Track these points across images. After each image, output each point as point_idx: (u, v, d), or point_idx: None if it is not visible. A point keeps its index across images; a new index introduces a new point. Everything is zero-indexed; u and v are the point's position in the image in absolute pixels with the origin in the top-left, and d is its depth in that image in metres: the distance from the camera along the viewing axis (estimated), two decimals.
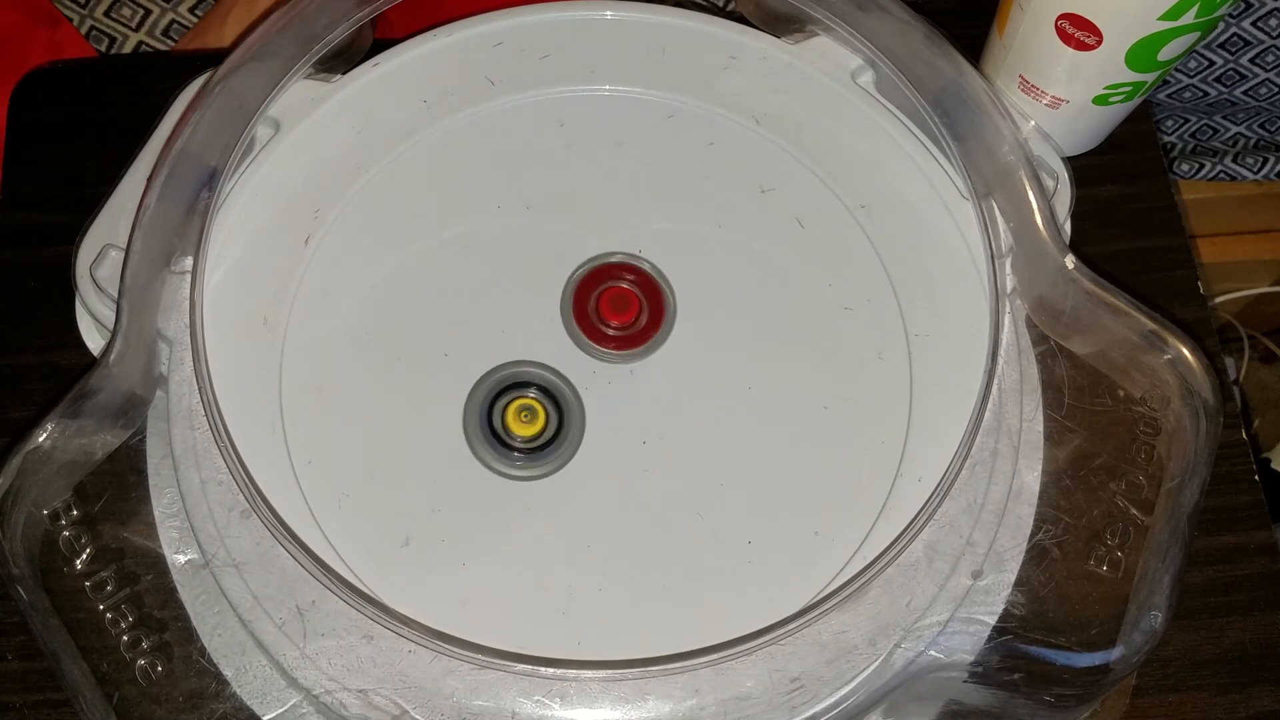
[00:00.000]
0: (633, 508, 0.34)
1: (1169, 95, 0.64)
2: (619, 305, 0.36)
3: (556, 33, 0.39)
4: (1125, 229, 0.43)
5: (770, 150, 0.38)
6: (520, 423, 0.34)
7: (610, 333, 0.36)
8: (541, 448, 0.34)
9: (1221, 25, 0.59)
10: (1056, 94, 0.39)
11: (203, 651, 0.32)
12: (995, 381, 0.33)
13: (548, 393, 0.35)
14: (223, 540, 0.31)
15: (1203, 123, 0.66)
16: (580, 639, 0.32)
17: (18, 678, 0.36)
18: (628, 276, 0.36)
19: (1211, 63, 0.61)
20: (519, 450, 0.34)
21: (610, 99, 0.39)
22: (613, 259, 0.37)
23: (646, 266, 0.37)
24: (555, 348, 0.36)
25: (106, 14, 0.57)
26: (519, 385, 0.35)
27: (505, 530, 0.33)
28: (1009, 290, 0.35)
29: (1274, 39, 0.59)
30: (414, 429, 0.34)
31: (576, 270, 0.36)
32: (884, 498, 0.33)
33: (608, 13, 0.39)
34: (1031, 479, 0.33)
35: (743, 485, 0.34)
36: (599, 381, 0.35)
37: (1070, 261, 0.34)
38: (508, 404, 0.35)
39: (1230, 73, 0.61)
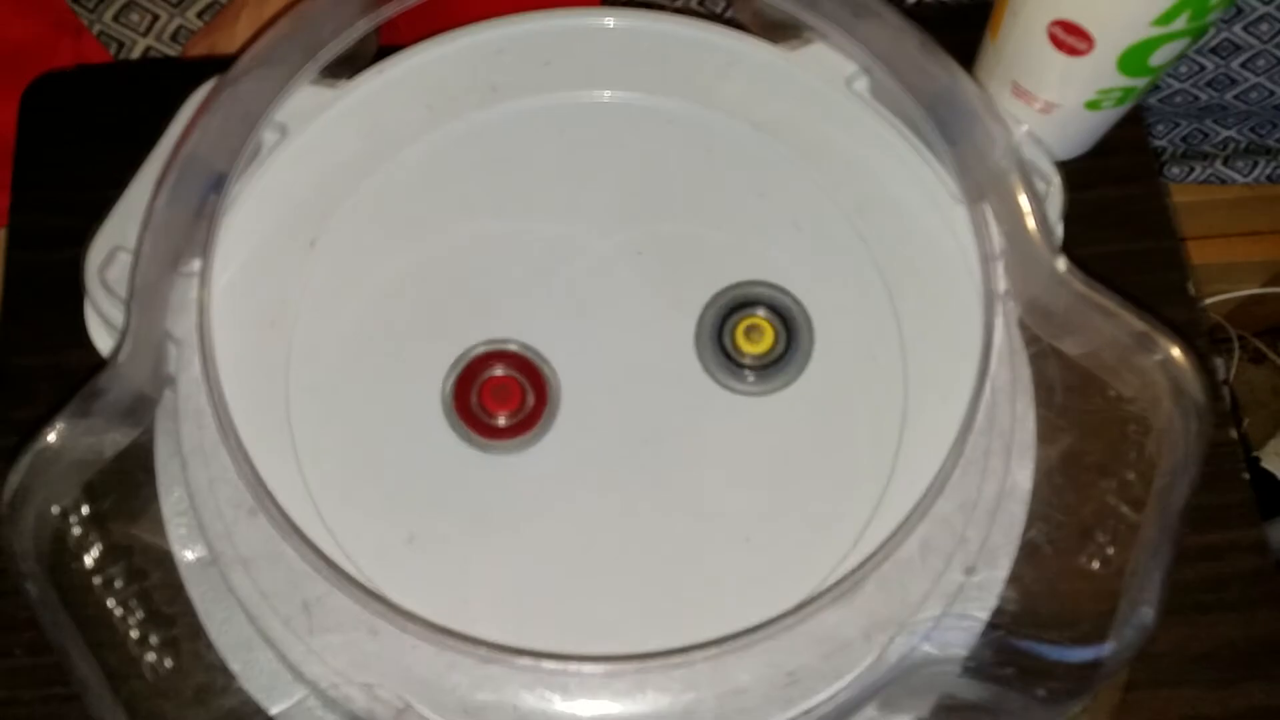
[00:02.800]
0: (632, 505, 0.34)
1: (1160, 100, 0.64)
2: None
3: (558, 40, 0.39)
4: (1117, 232, 0.43)
5: (767, 155, 0.39)
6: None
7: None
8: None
9: (1213, 30, 0.59)
10: (1049, 99, 0.40)
11: (210, 646, 0.32)
12: (988, 382, 0.33)
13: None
14: (230, 537, 0.32)
15: (1193, 127, 0.66)
16: (581, 634, 0.32)
17: (28, 673, 0.36)
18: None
19: (1203, 67, 0.61)
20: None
21: (611, 105, 0.39)
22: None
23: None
24: (555, 348, 0.36)
25: (115, 19, 0.57)
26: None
27: (507, 527, 0.34)
28: (1002, 292, 0.35)
29: (1265, 44, 0.59)
30: (418, 428, 0.35)
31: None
32: (879, 495, 0.34)
33: (609, 21, 0.40)
34: (1024, 477, 0.34)
35: (740, 482, 0.35)
36: (599, 379, 0.36)
37: (1062, 264, 0.34)
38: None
39: (1221, 77, 0.62)
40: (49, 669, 0.36)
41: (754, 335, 0.35)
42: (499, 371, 0.35)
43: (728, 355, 0.36)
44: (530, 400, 0.35)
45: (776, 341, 0.36)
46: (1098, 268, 0.35)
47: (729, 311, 0.36)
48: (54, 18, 0.54)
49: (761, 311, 0.36)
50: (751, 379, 0.35)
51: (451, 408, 0.35)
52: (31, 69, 0.45)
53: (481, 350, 0.36)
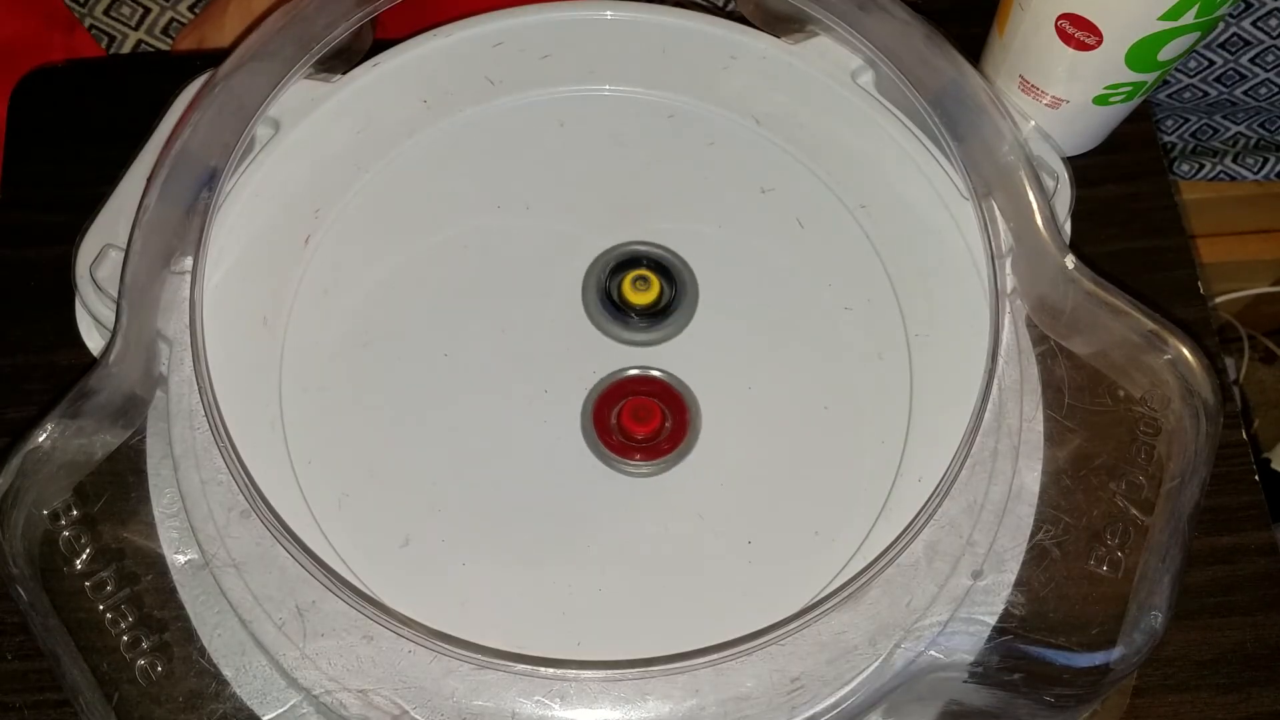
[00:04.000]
0: (632, 507, 0.34)
1: (1169, 95, 0.64)
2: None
3: (556, 33, 0.39)
4: (1125, 229, 0.43)
5: (770, 150, 0.38)
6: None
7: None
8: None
9: (1221, 25, 0.59)
10: (1056, 94, 0.39)
11: (203, 652, 0.32)
12: (995, 381, 0.33)
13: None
14: (223, 540, 0.31)
15: (1203, 122, 0.66)
16: (580, 639, 0.32)
17: (18, 678, 0.36)
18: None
19: (1211, 63, 0.61)
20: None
21: (610, 99, 0.39)
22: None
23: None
24: (556, 346, 0.36)
25: (106, 13, 0.57)
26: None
27: (505, 530, 0.33)
28: (1009, 290, 0.35)
29: (1274, 39, 0.59)
30: (413, 429, 0.34)
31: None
32: (884, 498, 0.33)
33: (608, 13, 0.39)
34: (1031, 479, 0.33)
35: (743, 485, 0.34)
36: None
37: (1070, 261, 0.34)
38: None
39: (1230, 73, 0.61)
40: (40, 674, 0.36)
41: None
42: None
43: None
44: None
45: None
46: (1106, 265, 0.35)
47: None
48: (46, 13, 0.54)
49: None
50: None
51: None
52: (23, 65, 0.45)
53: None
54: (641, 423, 0.34)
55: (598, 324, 0.36)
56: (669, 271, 0.37)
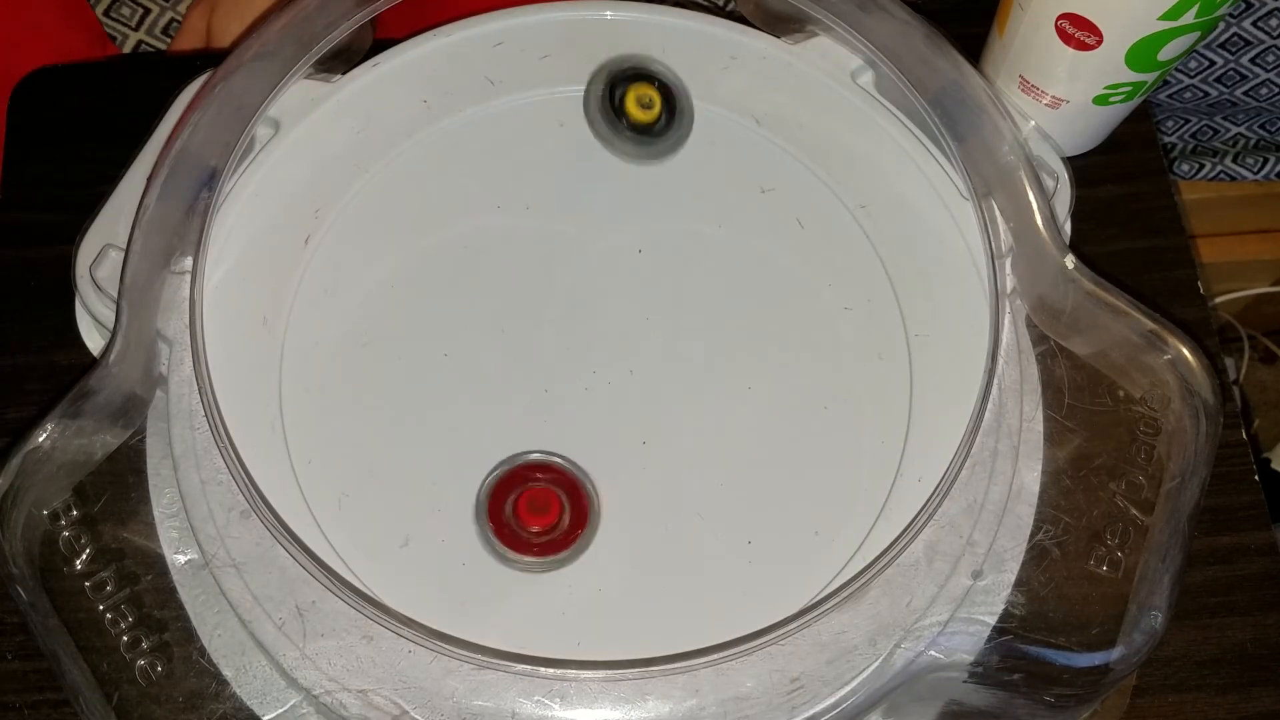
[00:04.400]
0: (632, 507, 0.34)
1: (1169, 95, 0.64)
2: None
3: (556, 33, 0.39)
4: (1125, 229, 0.43)
5: (770, 150, 0.38)
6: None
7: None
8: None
9: (1221, 25, 0.59)
10: (1056, 94, 0.39)
11: (202, 652, 0.32)
12: (995, 381, 0.33)
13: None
14: (223, 540, 0.31)
15: (1203, 123, 0.66)
16: (580, 639, 0.32)
17: (18, 678, 0.36)
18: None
19: (1212, 63, 0.61)
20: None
21: None
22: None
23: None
24: (556, 346, 0.36)
25: (106, 14, 0.57)
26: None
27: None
28: (1009, 290, 0.35)
29: (1274, 39, 0.59)
30: (413, 429, 0.34)
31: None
32: (884, 498, 0.33)
33: (607, 13, 0.39)
34: (1031, 479, 0.33)
35: (743, 485, 0.34)
36: (599, 380, 0.35)
37: (1070, 261, 0.34)
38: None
39: (1231, 73, 0.61)
40: (40, 674, 0.36)
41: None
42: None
43: None
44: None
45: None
46: (1106, 265, 0.35)
47: None
48: (93, 32, 0.54)
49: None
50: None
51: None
52: None
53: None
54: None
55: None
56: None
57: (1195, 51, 0.60)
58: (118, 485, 0.33)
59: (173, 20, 0.56)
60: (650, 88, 0.36)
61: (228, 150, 0.35)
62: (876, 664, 0.31)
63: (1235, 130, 0.66)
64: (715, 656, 0.30)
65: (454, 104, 0.38)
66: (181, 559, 0.33)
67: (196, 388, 0.33)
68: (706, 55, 0.39)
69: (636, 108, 0.35)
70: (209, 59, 0.37)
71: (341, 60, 0.39)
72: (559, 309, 0.36)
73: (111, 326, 0.33)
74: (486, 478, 0.33)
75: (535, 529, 0.33)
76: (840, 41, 0.39)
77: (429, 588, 0.32)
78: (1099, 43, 0.36)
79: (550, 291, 0.36)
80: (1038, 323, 0.35)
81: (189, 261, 0.34)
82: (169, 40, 0.57)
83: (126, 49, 0.57)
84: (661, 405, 0.35)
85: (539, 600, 0.32)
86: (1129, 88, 0.39)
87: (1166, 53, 0.37)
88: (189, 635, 0.32)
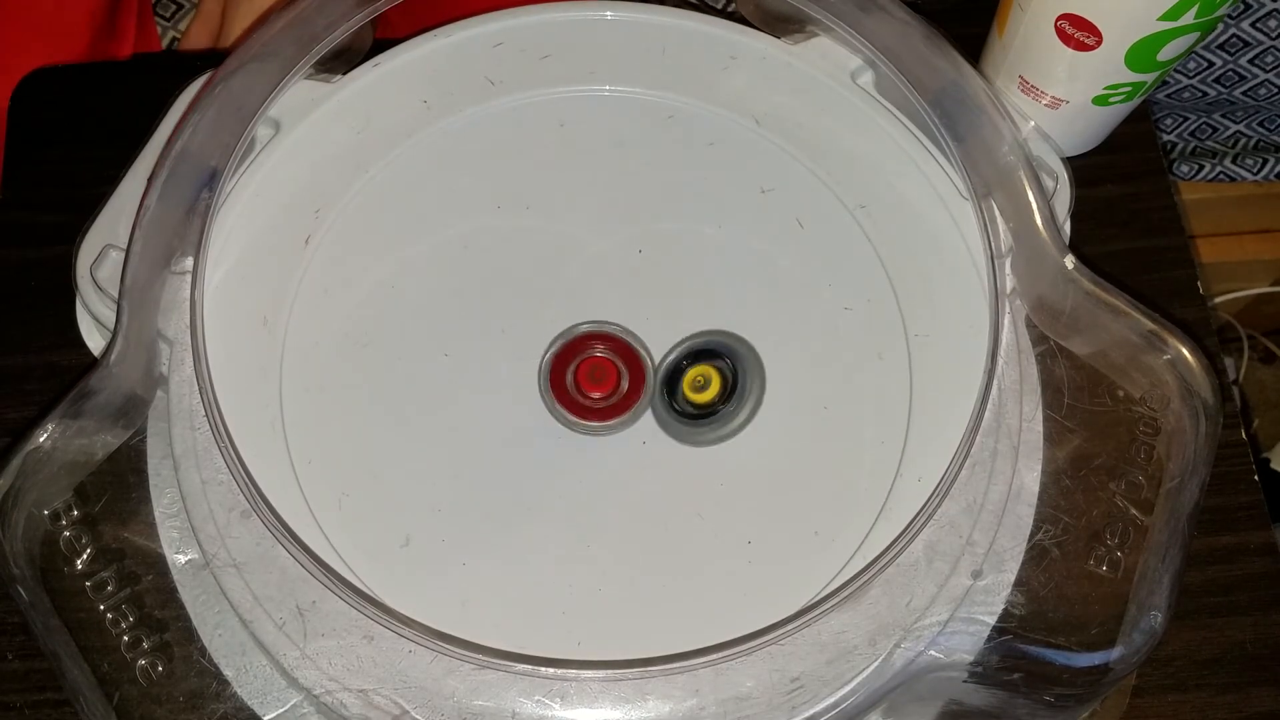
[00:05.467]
0: (632, 507, 0.34)
1: (1168, 95, 0.64)
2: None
3: (556, 33, 0.39)
4: (1125, 229, 0.43)
5: (770, 150, 0.38)
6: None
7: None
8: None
9: (1221, 26, 0.59)
10: (1056, 94, 0.39)
11: (203, 651, 0.32)
12: (995, 382, 0.33)
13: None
14: (223, 540, 0.31)
15: (1202, 121, 0.66)
16: (580, 639, 0.32)
17: (19, 677, 0.36)
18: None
19: (1211, 64, 0.61)
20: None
21: (610, 99, 0.39)
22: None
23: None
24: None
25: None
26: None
27: (505, 530, 0.33)
28: (1009, 290, 0.35)
29: (1273, 40, 0.59)
30: (414, 429, 0.34)
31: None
32: (884, 498, 0.33)
33: (608, 13, 0.39)
34: (1031, 479, 0.33)
35: (742, 485, 0.34)
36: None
37: (1070, 261, 0.34)
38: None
39: (1230, 73, 0.61)
40: (40, 674, 0.36)
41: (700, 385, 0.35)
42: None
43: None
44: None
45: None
46: (1106, 265, 0.35)
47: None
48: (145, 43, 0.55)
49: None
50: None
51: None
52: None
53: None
54: (599, 382, 0.34)
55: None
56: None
57: (1194, 52, 0.60)
58: (118, 485, 0.33)
59: (174, 40, 0.56)
60: (709, 366, 0.34)
61: (228, 151, 0.35)
62: (876, 664, 0.31)
63: (1234, 129, 0.66)
64: (715, 656, 0.30)
65: (454, 104, 0.38)
66: (182, 559, 0.33)
67: (197, 388, 0.33)
68: (706, 55, 0.39)
69: (691, 390, 0.34)
70: (209, 59, 0.37)
71: (342, 60, 0.39)
72: (559, 309, 0.36)
73: (112, 327, 0.33)
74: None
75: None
76: (840, 41, 0.39)
77: (429, 588, 0.32)
78: (1099, 43, 0.36)
79: (550, 291, 0.36)
80: (1037, 323, 0.35)
81: (189, 262, 0.34)
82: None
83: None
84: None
85: (539, 600, 0.32)
86: (1129, 88, 0.39)
87: (1166, 53, 0.37)
88: (189, 635, 0.32)
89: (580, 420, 0.34)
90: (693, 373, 0.35)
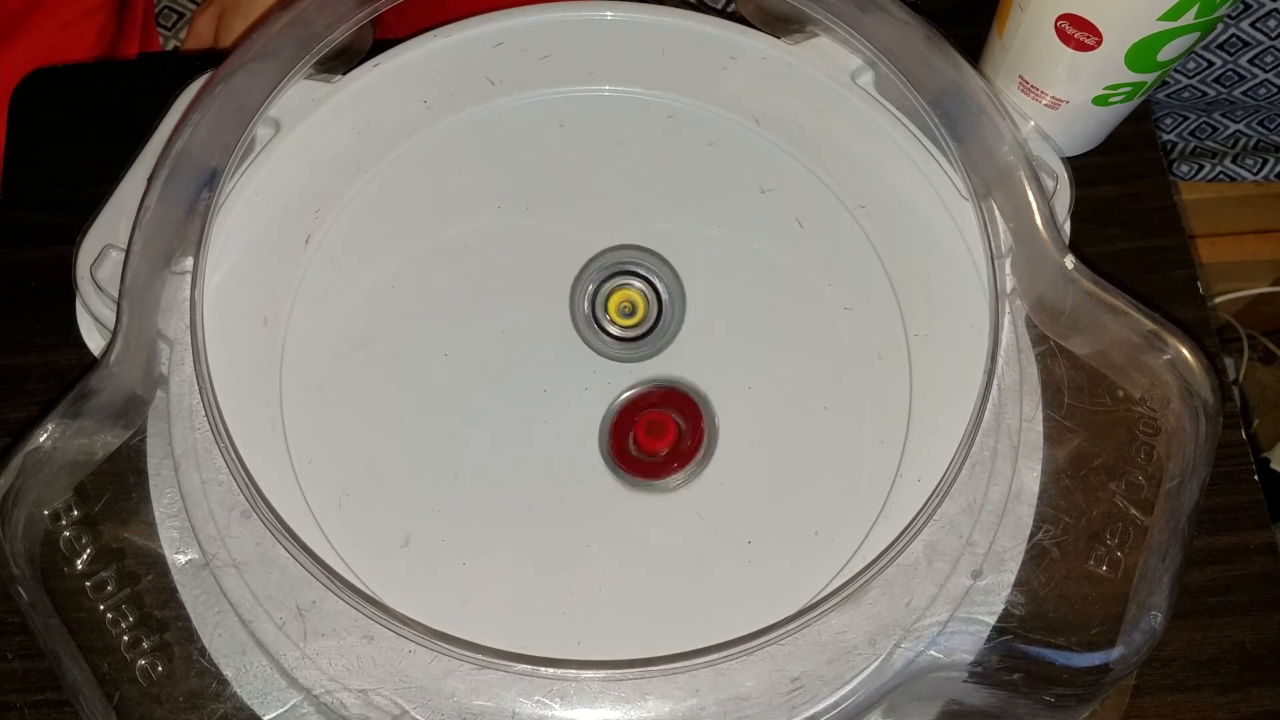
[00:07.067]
0: (632, 508, 0.34)
1: (1168, 95, 0.64)
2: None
3: (556, 33, 0.39)
4: (1125, 229, 0.43)
5: (770, 150, 0.38)
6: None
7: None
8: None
9: (1221, 26, 0.59)
10: (1056, 94, 0.39)
11: (203, 651, 0.32)
12: (995, 381, 0.33)
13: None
14: (223, 540, 0.31)
15: (1201, 120, 0.66)
16: (580, 639, 0.32)
17: (18, 677, 0.36)
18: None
19: (1210, 63, 0.61)
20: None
21: (610, 99, 0.39)
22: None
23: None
24: (556, 346, 0.36)
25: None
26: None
27: (505, 530, 0.33)
28: (1009, 290, 0.35)
29: (1273, 40, 0.59)
30: (414, 429, 0.34)
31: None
32: (884, 498, 0.33)
33: (608, 13, 0.39)
34: (1031, 479, 0.33)
35: (742, 485, 0.34)
36: (599, 380, 0.35)
37: (1070, 262, 0.34)
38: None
39: (1229, 73, 0.61)
40: (40, 674, 0.36)
41: None
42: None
43: None
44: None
45: None
46: (1105, 266, 0.35)
47: None
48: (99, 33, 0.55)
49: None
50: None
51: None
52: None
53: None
54: (657, 438, 0.34)
55: (597, 325, 0.36)
56: (656, 287, 0.36)
57: (1194, 52, 0.60)
58: (118, 485, 0.33)
59: (175, 49, 0.56)
60: (630, 290, 0.35)
61: (228, 151, 0.35)
62: (876, 664, 0.31)
63: (1234, 128, 0.66)
64: (715, 656, 0.30)
65: (454, 104, 0.38)
66: (182, 559, 0.33)
67: (197, 388, 0.33)
68: (706, 55, 0.39)
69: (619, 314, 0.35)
70: (209, 59, 0.37)
71: (342, 60, 0.39)
72: (559, 309, 0.36)
73: (112, 326, 0.33)
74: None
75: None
76: (840, 42, 0.39)
77: (429, 588, 0.32)
78: (1099, 43, 0.36)
79: (550, 291, 0.36)
80: (1037, 323, 0.35)
81: (189, 262, 0.34)
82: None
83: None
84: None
85: (539, 600, 0.32)
86: (1128, 88, 0.39)
87: (1166, 53, 0.37)
88: (189, 635, 0.32)
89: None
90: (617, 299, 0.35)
